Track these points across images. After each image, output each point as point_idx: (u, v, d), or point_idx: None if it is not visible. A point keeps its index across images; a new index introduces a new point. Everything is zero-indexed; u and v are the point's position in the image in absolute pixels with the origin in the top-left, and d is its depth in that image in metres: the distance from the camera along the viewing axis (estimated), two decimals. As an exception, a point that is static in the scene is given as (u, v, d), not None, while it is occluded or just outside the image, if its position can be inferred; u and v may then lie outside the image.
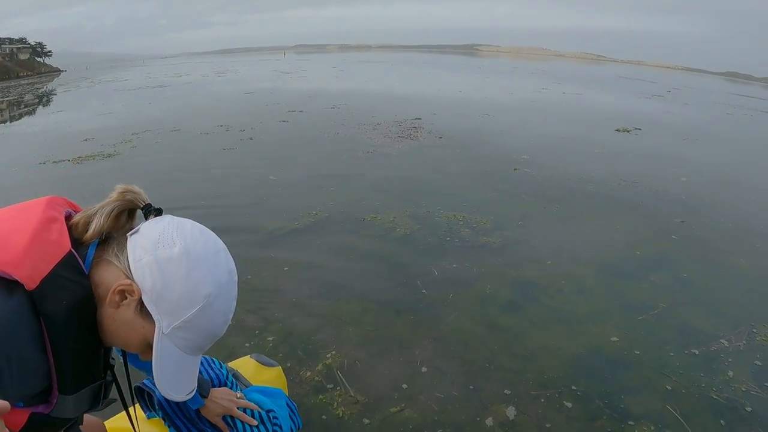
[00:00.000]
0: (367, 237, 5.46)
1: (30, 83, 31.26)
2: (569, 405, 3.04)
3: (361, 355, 3.53)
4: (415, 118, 12.11)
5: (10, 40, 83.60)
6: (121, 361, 1.50)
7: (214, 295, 1.18)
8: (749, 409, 3.04)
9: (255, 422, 1.94)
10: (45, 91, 29.67)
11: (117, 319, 1.14)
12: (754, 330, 3.87)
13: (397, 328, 3.86)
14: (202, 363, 1.95)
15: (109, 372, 1.33)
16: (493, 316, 4.02)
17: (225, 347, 3.48)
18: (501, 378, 3.30)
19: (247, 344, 3.66)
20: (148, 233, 1.19)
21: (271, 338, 3.80)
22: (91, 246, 1.19)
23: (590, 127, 12.58)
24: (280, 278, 4.65)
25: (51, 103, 21.60)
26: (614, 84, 31.52)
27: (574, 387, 3.20)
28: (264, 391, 2.12)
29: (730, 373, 3.35)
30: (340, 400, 3.09)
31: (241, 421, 1.90)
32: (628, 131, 11.99)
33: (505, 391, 3.16)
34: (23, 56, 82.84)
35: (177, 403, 1.91)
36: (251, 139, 10.65)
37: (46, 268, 1.04)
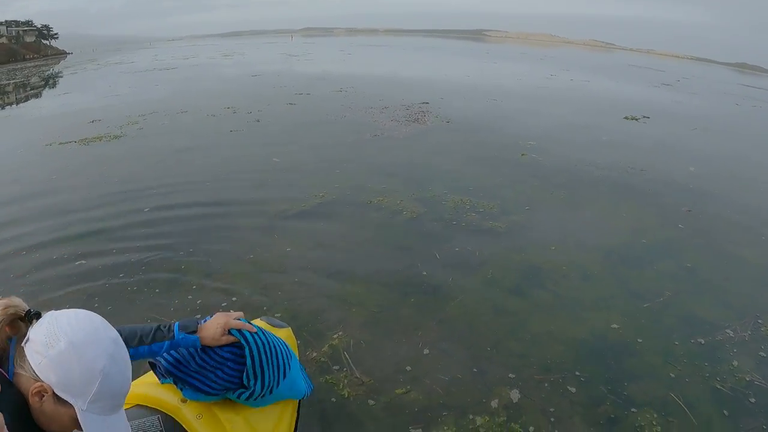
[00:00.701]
0: (373, 220, 5.47)
1: (36, 66, 31.26)
2: (573, 390, 3.05)
3: (366, 336, 3.54)
4: (423, 103, 12.04)
5: (16, 23, 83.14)
6: None
7: (107, 365, 1.36)
8: (753, 400, 3.04)
9: (254, 329, 2.01)
10: (51, 73, 29.60)
11: (45, 413, 1.34)
12: (760, 321, 3.86)
13: (402, 310, 3.87)
14: None
15: None
16: (498, 300, 4.02)
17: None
18: (505, 362, 3.31)
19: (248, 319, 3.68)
20: (36, 338, 1.35)
21: (278, 317, 3.81)
22: (9, 358, 1.38)
23: (598, 115, 12.50)
24: (285, 259, 4.67)
25: (57, 86, 21.59)
26: (623, 72, 31.31)
27: (578, 372, 3.20)
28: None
29: (735, 363, 3.35)
30: (346, 381, 3.10)
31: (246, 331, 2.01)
32: (636, 119, 11.91)
33: (510, 375, 3.17)
34: (29, 39, 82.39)
35: (179, 362, 2.03)
36: (258, 121, 10.64)
37: None
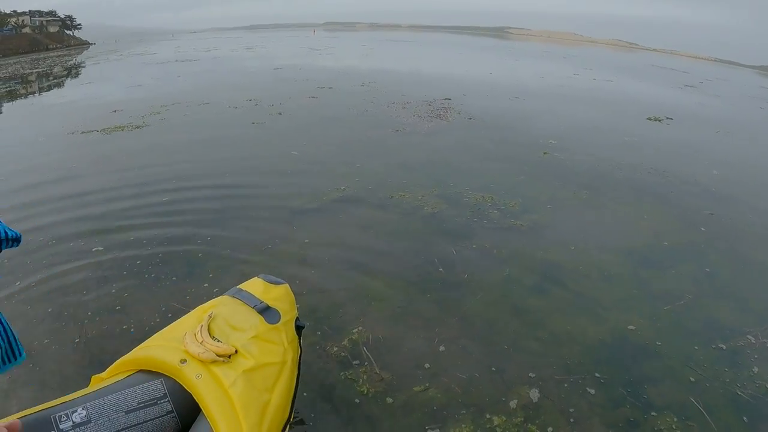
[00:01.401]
0: (394, 215, 5.46)
1: (59, 55, 31.52)
2: (592, 392, 3.03)
3: (386, 331, 3.54)
4: (445, 99, 12.00)
5: (40, 13, 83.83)
6: None
7: None
8: (773, 406, 3.00)
9: None
10: (74, 63, 29.84)
11: None
12: (782, 327, 3.81)
13: (422, 306, 3.86)
14: None
15: None
16: (519, 298, 4.00)
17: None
18: (525, 361, 3.29)
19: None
20: None
21: (298, 310, 3.82)
22: None
23: (620, 115, 12.37)
24: (304, 252, 4.68)
25: (80, 75, 21.73)
26: (646, 72, 31.00)
27: (597, 374, 3.18)
28: None
29: (755, 369, 3.30)
30: (365, 377, 3.10)
31: None
32: (659, 120, 11.78)
33: (530, 375, 3.15)
34: (53, 29, 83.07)
35: None
36: (280, 114, 10.65)
37: None
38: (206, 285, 4.04)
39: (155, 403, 2.26)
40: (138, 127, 9.76)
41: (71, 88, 17.40)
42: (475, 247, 4.78)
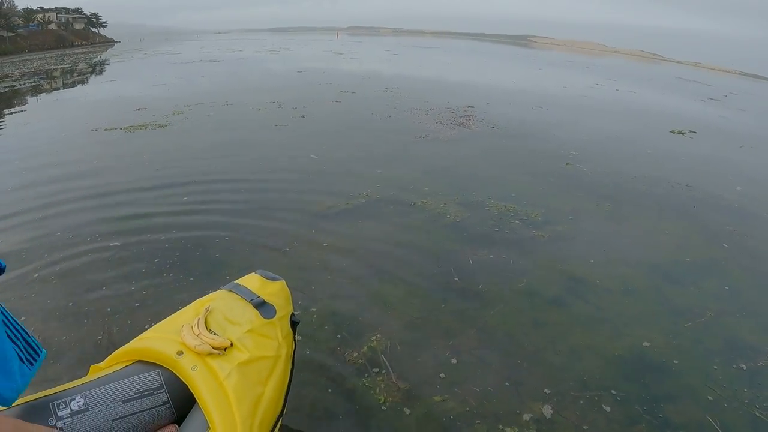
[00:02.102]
0: (416, 222, 5.45)
1: (84, 52, 31.88)
2: (608, 409, 3.00)
3: (405, 340, 3.54)
4: (468, 106, 11.98)
5: (66, 10, 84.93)
6: None
7: None
8: (793, 431, 2.95)
9: None
10: (99, 60, 30.17)
11: None
12: (804, 348, 3.75)
13: (441, 316, 3.85)
14: None
15: None
16: (538, 310, 3.98)
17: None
18: (542, 374, 3.27)
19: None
20: None
21: (315, 316, 3.83)
22: None
23: (644, 127, 12.24)
24: (326, 257, 4.68)
25: (104, 73, 21.95)
26: (669, 84, 30.68)
27: (614, 390, 3.15)
28: None
29: (776, 392, 3.27)
30: (383, 385, 3.10)
31: None
32: (683, 133, 11.64)
33: (545, 390, 3.13)
34: (78, 26, 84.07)
35: None
36: (303, 117, 10.70)
37: None
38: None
39: (152, 394, 2.31)
40: (161, 126, 9.85)
41: (95, 85, 17.58)
42: (497, 257, 4.77)
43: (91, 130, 9.52)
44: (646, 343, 3.64)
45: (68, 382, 2.42)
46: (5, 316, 1.84)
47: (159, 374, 2.33)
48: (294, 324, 2.60)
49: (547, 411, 2.96)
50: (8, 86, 16.71)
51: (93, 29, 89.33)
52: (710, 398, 3.16)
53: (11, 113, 12.52)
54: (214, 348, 2.25)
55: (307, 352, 3.42)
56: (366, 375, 3.20)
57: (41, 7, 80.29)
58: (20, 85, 17.09)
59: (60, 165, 7.47)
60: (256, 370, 2.27)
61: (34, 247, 4.93)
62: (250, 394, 2.18)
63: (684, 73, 42.57)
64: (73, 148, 8.44)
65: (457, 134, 9.30)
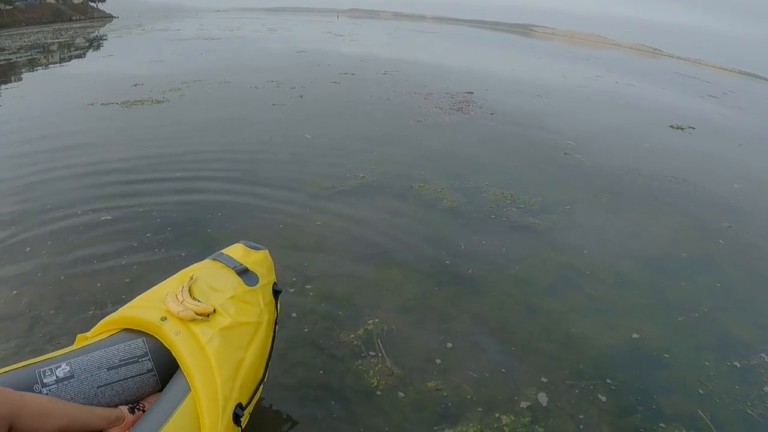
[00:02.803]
0: (413, 205, 5.42)
1: (82, 27, 31.53)
2: (603, 398, 3.01)
3: (399, 323, 3.52)
4: (467, 92, 11.92)
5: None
6: None
7: None
8: (784, 428, 2.96)
9: None
10: (97, 35, 29.82)
11: None
12: (797, 347, 3.76)
13: (436, 300, 3.84)
14: None
15: None
16: (534, 298, 3.98)
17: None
18: (537, 362, 3.27)
19: (285, 295, 3.69)
20: None
21: (311, 294, 3.81)
22: None
23: (642, 121, 12.21)
24: (321, 238, 4.66)
25: (102, 48, 21.67)
26: (669, 79, 30.59)
27: (609, 380, 3.16)
28: None
29: (767, 389, 3.27)
30: (376, 368, 3.09)
31: None
32: (682, 129, 11.62)
33: (540, 377, 3.13)
34: (77, 0, 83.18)
35: None
36: (301, 97, 10.62)
37: None
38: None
39: (136, 361, 2.34)
40: (158, 102, 9.77)
41: (92, 60, 17.39)
42: (494, 243, 4.75)
43: (88, 105, 9.43)
44: (640, 335, 3.65)
45: (54, 351, 2.43)
46: None
47: (144, 342, 2.37)
48: (276, 293, 2.63)
49: (543, 399, 2.96)
50: (4, 59, 16.52)
51: (92, 3, 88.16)
52: (701, 392, 3.17)
53: (7, 86, 12.38)
54: (197, 314, 2.28)
55: (305, 330, 3.41)
56: (362, 357, 3.19)
57: (40, -20, 79.35)
58: (16, 58, 16.89)
59: (54, 137, 7.40)
60: (237, 335, 2.30)
61: (24, 219, 4.90)
62: (232, 358, 2.22)
63: (684, 69, 42.57)
64: (68, 122, 8.35)
65: (456, 120, 9.25)
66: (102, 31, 33.72)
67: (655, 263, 4.79)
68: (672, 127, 11.72)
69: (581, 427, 2.79)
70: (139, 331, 2.40)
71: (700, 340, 3.70)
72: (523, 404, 2.91)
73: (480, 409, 2.86)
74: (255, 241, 2.83)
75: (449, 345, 3.35)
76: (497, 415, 2.82)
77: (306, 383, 3.00)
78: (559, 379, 3.13)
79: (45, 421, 2.03)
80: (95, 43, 24.25)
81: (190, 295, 2.39)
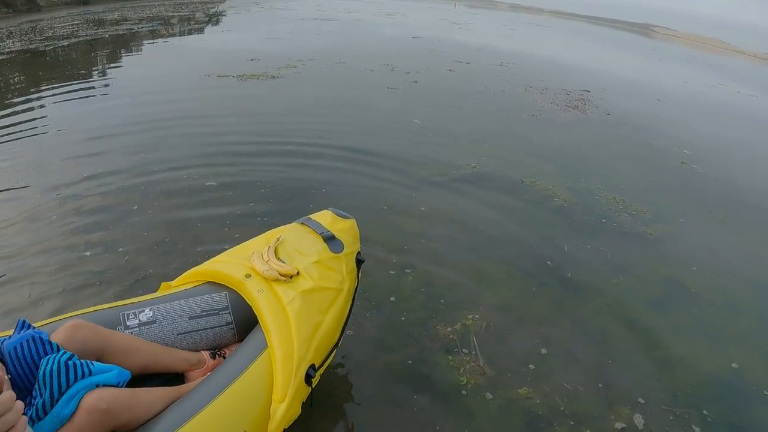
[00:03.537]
0: (522, 201, 5.25)
1: (202, 2, 32.39)
2: (697, 429, 2.81)
3: (496, 322, 3.43)
4: (584, 90, 11.42)
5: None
6: None
7: None
8: None
9: None
10: (216, 11, 30.56)
11: None
12: None
13: (537, 302, 3.72)
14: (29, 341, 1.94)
15: None
16: (636, 311, 3.75)
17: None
18: (634, 380, 3.10)
19: (385, 277, 3.74)
20: None
21: (410, 279, 3.78)
22: None
23: (765, 135, 11.40)
24: (425, 224, 4.61)
25: (220, 23, 22.09)
26: (796, 93, 28.53)
27: (705, 411, 2.94)
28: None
29: None
30: (468, 366, 3.02)
31: None
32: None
33: (638, 399, 2.96)
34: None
35: None
36: (416, 82, 10.49)
37: None
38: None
39: (217, 313, 2.44)
40: (273, 77, 9.92)
41: (210, 34, 17.85)
42: (599, 249, 4.52)
43: (204, 76, 9.73)
44: (744, 366, 3.37)
45: (139, 296, 2.53)
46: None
47: (226, 296, 2.45)
48: (359, 262, 2.63)
49: (639, 421, 2.80)
50: (126, 29, 17.19)
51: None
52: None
53: (128, 55, 12.98)
54: (281, 275, 2.32)
55: (402, 318, 3.38)
56: (454, 352, 3.12)
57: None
58: (138, 28, 17.52)
59: (169, 103, 7.73)
60: (318, 299, 2.34)
61: (135, 176, 5.16)
62: (310, 320, 2.25)
63: (813, 83, 39.42)
64: (183, 90, 8.67)
65: (571, 117, 8.87)
66: (221, 7, 34.56)
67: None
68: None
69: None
70: (223, 285, 2.48)
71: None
72: (618, 425, 2.76)
73: (571, 423, 2.74)
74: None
75: (543, 351, 3.23)
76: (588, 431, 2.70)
77: (393, 369, 2.97)
78: (656, 402, 2.95)
79: (130, 357, 2.15)
80: (214, 18, 24.87)
81: (275, 256, 2.43)
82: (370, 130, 6.97)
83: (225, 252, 2.68)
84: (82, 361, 1.90)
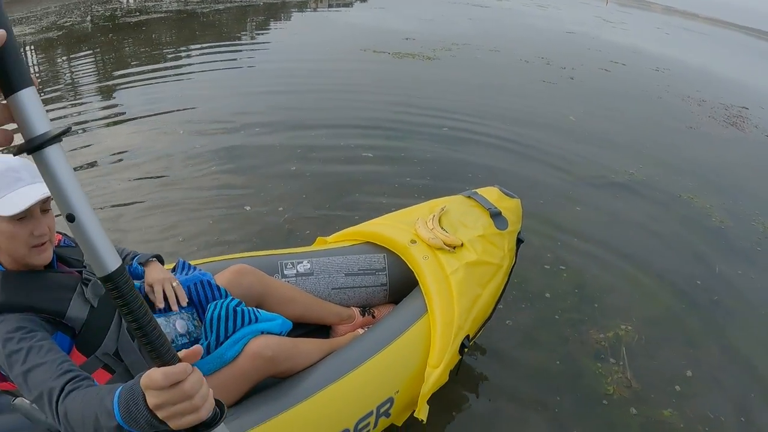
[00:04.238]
0: (678, 215, 4.98)
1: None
2: None
3: (647, 336, 3.29)
4: (742, 107, 10.60)
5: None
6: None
7: None
8: None
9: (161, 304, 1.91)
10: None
11: None
12: None
13: (688, 320, 3.55)
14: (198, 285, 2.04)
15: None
16: (788, 347, 3.47)
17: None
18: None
19: (540, 271, 3.70)
20: None
21: (565, 277, 3.71)
22: None
23: None
24: (579, 222, 4.51)
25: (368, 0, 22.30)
26: None
27: None
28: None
29: None
30: (615, 377, 2.93)
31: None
32: None
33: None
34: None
35: None
36: (571, 78, 10.15)
37: None
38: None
39: (373, 273, 2.48)
40: (428, 58, 9.91)
41: (364, 10, 17.92)
42: (754, 277, 4.21)
43: (361, 50, 9.87)
44: None
45: (295, 247, 2.61)
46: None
47: (384, 258, 2.49)
48: (519, 242, 2.59)
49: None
50: None
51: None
52: None
53: (278, 24, 13.36)
54: (445, 244, 2.33)
55: (556, 317, 3.33)
56: (603, 359, 3.03)
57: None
58: None
59: (326, 72, 7.99)
60: (479, 272, 2.33)
61: (293, 144, 5.33)
62: (471, 292, 2.26)
63: None
64: (342, 62, 8.86)
65: (730, 134, 8.23)
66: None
67: None
68: None
69: None
70: (382, 247, 2.51)
71: None
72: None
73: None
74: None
75: (689, 373, 3.07)
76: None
77: (540, 366, 2.93)
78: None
79: (288, 306, 2.24)
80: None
81: (439, 225, 2.43)
82: (526, 121, 6.83)
83: (385, 215, 2.74)
84: (249, 308, 1.99)
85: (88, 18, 11.97)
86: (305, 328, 2.38)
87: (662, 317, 3.54)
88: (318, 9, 16.93)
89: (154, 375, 0.91)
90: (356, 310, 2.50)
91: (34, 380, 1.26)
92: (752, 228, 5.06)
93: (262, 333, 1.93)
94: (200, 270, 2.14)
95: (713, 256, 4.41)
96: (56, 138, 0.72)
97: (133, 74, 7.42)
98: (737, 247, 4.68)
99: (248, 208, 4.14)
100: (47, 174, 0.74)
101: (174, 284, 1.94)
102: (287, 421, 1.78)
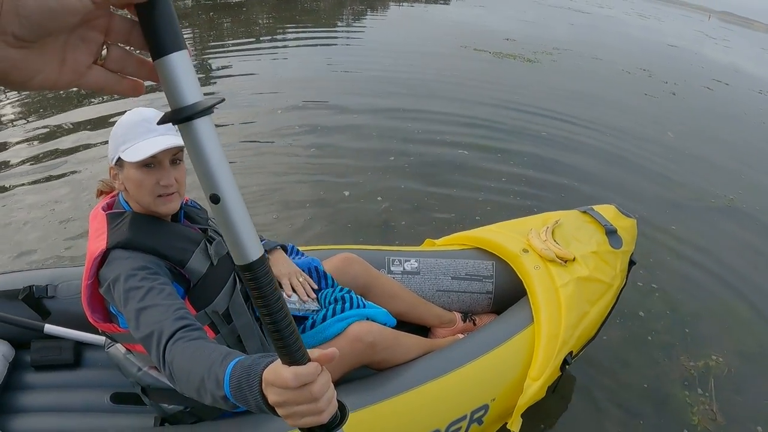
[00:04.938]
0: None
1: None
2: None
3: (736, 369, 3.09)
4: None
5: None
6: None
7: (119, 122, 1.48)
8: None
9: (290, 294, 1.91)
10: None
11: (124, 186, 1.50)
12: None
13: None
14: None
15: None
16: None
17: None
18: None
19: (633, 288, 3.53)
20: None
21: (657, 297, 3.54)
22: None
23: None
24: (675, 243, 4.28)
25: (470, -1, 21.95)
26: None
27: None
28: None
29: None
30: (701, 407, 2.76)
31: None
32: None
33: None
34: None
35: None
36: (674, 94, 9.70)
37: None
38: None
39: (480, 280, 2.42)
40: (529, 60, 9.73)
41: (463, 8, 17.65)
42: None
43: (461, 46, 9.73)
44: None
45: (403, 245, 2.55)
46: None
47: (493, 265, 2.42)
48: (632, 263, 2.48)
49: None
50: None
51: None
52: None
53: (377, 14, 13.28)
54: (558, 257, 2.25)
55: (649, 338, 3.18)
56: (690, 389, 2.87)
57: None
58: None
59: (427, 66, 7.90)
60: (590, 289, 2.24)
61: (391, 135, 5.31)
62: (579, 308, 2.17)
63: None
64: (443, 57, 8.77)
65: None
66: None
67: None
68: None
69: None
70: (491, 254, 2.45)
71: None
72: None
73: None
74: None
75: None
76: None
77: (626, 386, 2.81)
78: None
79: (391, 301, 2.20)
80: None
81: (552, 238, 2.36)
82: (625, 133, 6.59)
83: (498, 224, 2.66)
84: (357, 296, 1.98)
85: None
86: (404, 327, 2.32)
87: (755, 352, 3.31)
88: (414, 4, 16.82)
89: (283, 373, 0.85)
90: (458, 315, 2.45)
91: (148, 319, 1.28)
92: None
93: (367, 319, 1.91)
94: (310, 257, 2.14)
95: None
96: (208, 110, 0.63)
97: (229, 52, 7.54)
98: None
99: (347, 193, 4.17)
100: (193, 148, 0.66)
101: (301, 279, 1.96)
102: (380, 412, 1.77)
